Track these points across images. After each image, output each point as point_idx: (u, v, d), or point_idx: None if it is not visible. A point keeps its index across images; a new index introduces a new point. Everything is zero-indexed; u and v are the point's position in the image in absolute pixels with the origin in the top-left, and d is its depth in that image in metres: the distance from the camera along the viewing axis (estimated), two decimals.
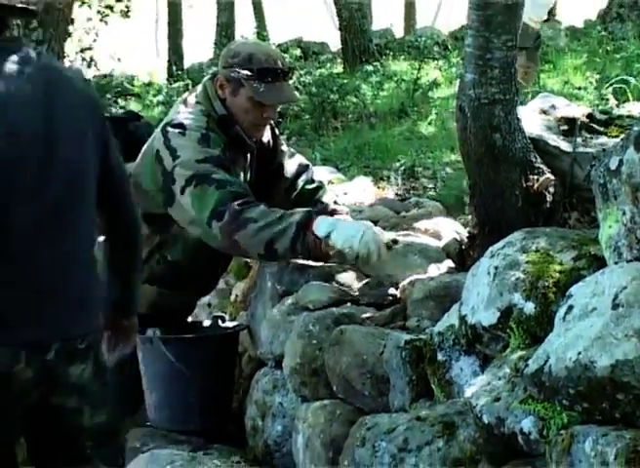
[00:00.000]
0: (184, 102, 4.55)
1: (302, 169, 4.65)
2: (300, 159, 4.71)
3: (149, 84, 13.66)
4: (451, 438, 3.06)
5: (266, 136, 4.58)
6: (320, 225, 4.15)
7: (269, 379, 4.21)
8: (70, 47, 8.55)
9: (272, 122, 4.63)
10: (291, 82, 4.32)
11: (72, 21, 7.66)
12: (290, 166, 4.62)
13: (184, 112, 4.43)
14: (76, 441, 3.49)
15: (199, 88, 4.53)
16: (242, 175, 4.42)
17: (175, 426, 4.29)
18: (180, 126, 4.33)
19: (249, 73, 4.19)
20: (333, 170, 5.65)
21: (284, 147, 4.77)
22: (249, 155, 4.49)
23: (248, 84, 4.21)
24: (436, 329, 3.48)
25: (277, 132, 4.71)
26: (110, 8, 13.14)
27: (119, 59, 13.62)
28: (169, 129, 4.35)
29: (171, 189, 4.33)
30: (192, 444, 4.22)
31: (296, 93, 4.39)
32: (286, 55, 9.12)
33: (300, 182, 4.59)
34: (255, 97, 4.24)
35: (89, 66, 12.04)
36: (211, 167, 4.22)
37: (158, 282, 4.40)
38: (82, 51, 11.95)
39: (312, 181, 4.60)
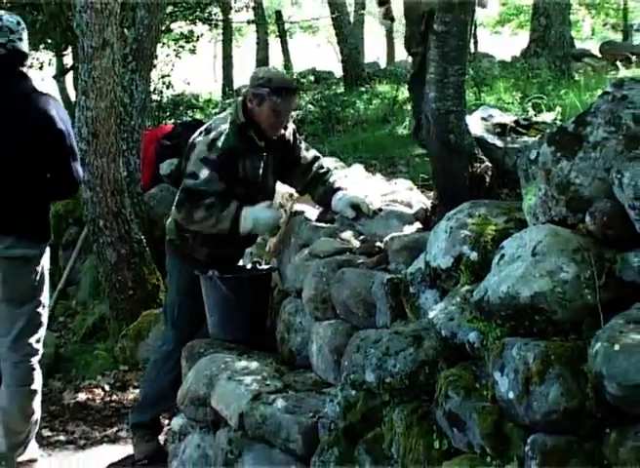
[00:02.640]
0: (224, 112, 4.79)
1: (315, 158, 4.75)
2: (313, 152, 4.81)
3: (209, 100, 13.62)
4: (419, 346, 3.19)
5: (289, 134, 4.64)
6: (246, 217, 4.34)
7: (292, 305, 4.31)
8: (154, 74, 8.49)
9: (293, 125, 4.73)
10: (297, 97, 4.36)
11: (156, 57, 7.63)
12: (306, 156, 4.68)
13: (217, 119, 4.64)
14: None
15: (234, 103, 4.68)
16: (250, 164, 4.46)
17: (226, 337, 4.34)
18: (207, 131, 4.48)
19: (269, 90, 4.16)
20: (337, 160, 5.68)
21: (302, 144, 4.79)
22: (265, 151, 4.52)
23: (269, 98, 4.22)
24: (409, 270, 3.58)
25: (297, 133, 4.65)
26: (182, 47, 13.07)
27: (188, 83, 13.53)
28: (201, 130, 4.54)
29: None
30: (239, 350, 4.31)
31: (299, 103, 4.51)
32: (304, 80, 9.04)
33: (314, 168, 4.68)
34: (273, 107, 4.26)
35: (167, 88, 12.00)
36: (202, 164, 4.33)
37: (207, 245, 4.50)
38: (162, 77, 11.91)
39: (322, 167, 4.64)
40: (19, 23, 4.22)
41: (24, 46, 4.27)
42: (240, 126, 4.41)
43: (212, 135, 4.44)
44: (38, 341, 4.42)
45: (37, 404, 4.43)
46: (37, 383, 4.43)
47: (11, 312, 4.31)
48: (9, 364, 4.38)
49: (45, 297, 4.47)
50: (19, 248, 4.21)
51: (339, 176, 4.74)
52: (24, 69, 4.27)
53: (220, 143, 4.36)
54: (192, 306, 4.60)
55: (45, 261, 4.41)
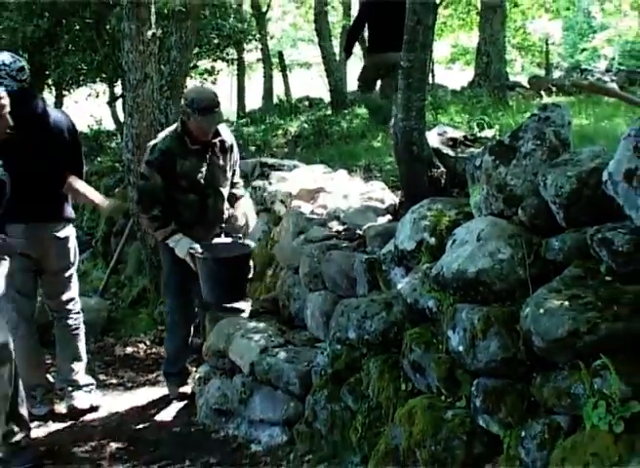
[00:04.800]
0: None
1: (238, 184, 4.68)
2: (240, 180, 4.75)
3: (226, 120, 13.53)
4: (389, 311, 3.23)
5: (228, 144, 4.45)
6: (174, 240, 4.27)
7: (291, 279, 4.28)
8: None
9: (227, 141, 4.48)
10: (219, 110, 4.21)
11: (185, 87, 7.55)
12: (235, 178, 4.62)
13: (165, 130, 4.50)
14: None
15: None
16: (190, 163, 4.28)
17: (216, 302, 4.35)
18: (156, 137, 4.45)
19: (192, 110, 4.15)
20: (325, 166, 5.60)
21: (237, 170, 4.67)
22: (204, 154, 4.34)
23: (193, 116, 4.17)
24: (382, 252, 3.59)
25: (235, 149, 4.56)
26: (205, 79, 12.95)
27: None
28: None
29: None
30: (252, 315, 4.20)
31: (219, 117, 4.30)
32: (300, 104, 8.91)
33: (234, 190, 4.60)
34: (197, 123, 4.19)
35: None
36: (146, 166, 4.30)
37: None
38: None
39: (236, 193, 4.65)
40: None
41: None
42: (178, 132, 4.29)
43: (154, 141, 4.39)
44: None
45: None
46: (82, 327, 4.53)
47: (63, 278, 4.36)
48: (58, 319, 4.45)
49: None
50: (64, 229, 4.26)
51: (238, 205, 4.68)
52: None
53: (157, 147, 4.27)
54: (178, 280, 4.47)
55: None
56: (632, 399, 2.15)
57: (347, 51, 8.58)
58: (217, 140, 4.40)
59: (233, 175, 4.59)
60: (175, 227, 4.30)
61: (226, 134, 4.51)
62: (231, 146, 4.51)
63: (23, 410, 3.56)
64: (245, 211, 4.67)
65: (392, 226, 3.68)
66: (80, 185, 4.35)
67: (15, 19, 9.03)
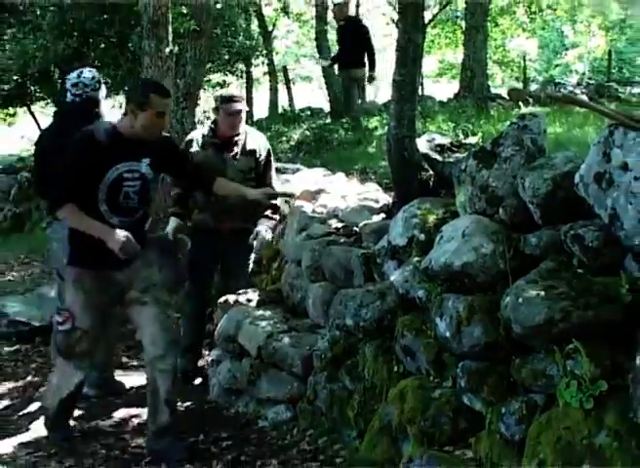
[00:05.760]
0: None
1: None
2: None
3: None
4: (383, 300, 3.21)
5: (255, 146, 4.27)
6: None
7: (294, 272, 4.22)
8: (198, 110, 8.40)
9: (251, 145, 4.29)
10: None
11: (199, 98, 7.56)
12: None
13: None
14: None
15: None
16: (203, 153, 4.15)
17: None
18: None
19: (219, 103, 4.16)
20: (325, 169, 5.58)
21: (270, 177, 4.40)
22: (226, 148, 4.20)
23: (220, 107, 4.15)
24: (376, 247, 3.56)
25: (263, 157, 4.33)
26: (217, 92, 12.97)
27: None
28: None
29: None
30: (259, 304, 4.18)
31: (241, 114, 4.15)
32: (302, 114, 8.89)
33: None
34: (222, 113, 4.16)
35: (207, 120, 11.96)
36: None
37: None
38: (204, 112, 11.78)
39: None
40: (93, 78, 4.03)
41: (98, 94, 4.04)
42: (210, 126, 4.28)
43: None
44: None
45: None
46: None
47: None
48: None
49: None
50: None
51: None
52: (99, 109, 4.01)
53: (188, 136, 4.25)
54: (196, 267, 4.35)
55: None
56: (601, 379, 2.18)
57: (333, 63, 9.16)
58: (239, 140, 4.27)
59: (261, 180, 4.30)
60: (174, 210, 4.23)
61: (254, 140, 4.35)
62: (253, 151, 4.31)
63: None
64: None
65: (386, 224, 3.66)
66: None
67: (47, 38, 9.15)
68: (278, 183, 4.61)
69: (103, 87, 4.12)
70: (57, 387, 3.43)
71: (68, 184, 3.14)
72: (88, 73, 4.04)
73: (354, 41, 8.15)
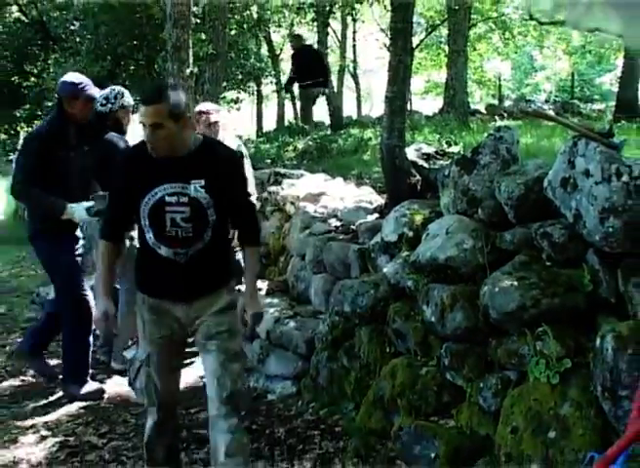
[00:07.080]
0: None
1: None
2: None
3: (248, 138, 13.48)
4: (377, 289, 3.19)
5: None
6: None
7: (299, 265, 4.20)
8: None
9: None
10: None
11: None
12: None
13: None
14: None
15: None
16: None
17: None
18: None
19: None
20: (326, 175, 5.56)
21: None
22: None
23: None
24: (371, 243, 3.54)
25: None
26: (232, 107, 12.95)
27: (234, 129, 13.38)
28: None
29: None
30: (267, 292, 4.18)
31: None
32: (306, 126, 8.87)
33: None
34: None
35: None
36: None
37: None
38: None
39: None
40: (101, 95, 3.78)
41: (105, 109, 3.82)
42: None
43: None
44: None
45: None
46: None
47: None
48: None
49: None
50: None
51: None
52: (107, 122, 3.83)
53: None
54: None
55: None
56: (566, 357, 2.21)
57: (287, 88, 9.53)
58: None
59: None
60: None
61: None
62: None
63: None
64: None
65: (379, 222, 3.64)
66: None
67: (85, 61, 9.34)
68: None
69: (121, 102, 3.90)
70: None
71: (111, 215, 2.42)
72: (103, 91, 3.89)
73: (310, 65, 8.41)
